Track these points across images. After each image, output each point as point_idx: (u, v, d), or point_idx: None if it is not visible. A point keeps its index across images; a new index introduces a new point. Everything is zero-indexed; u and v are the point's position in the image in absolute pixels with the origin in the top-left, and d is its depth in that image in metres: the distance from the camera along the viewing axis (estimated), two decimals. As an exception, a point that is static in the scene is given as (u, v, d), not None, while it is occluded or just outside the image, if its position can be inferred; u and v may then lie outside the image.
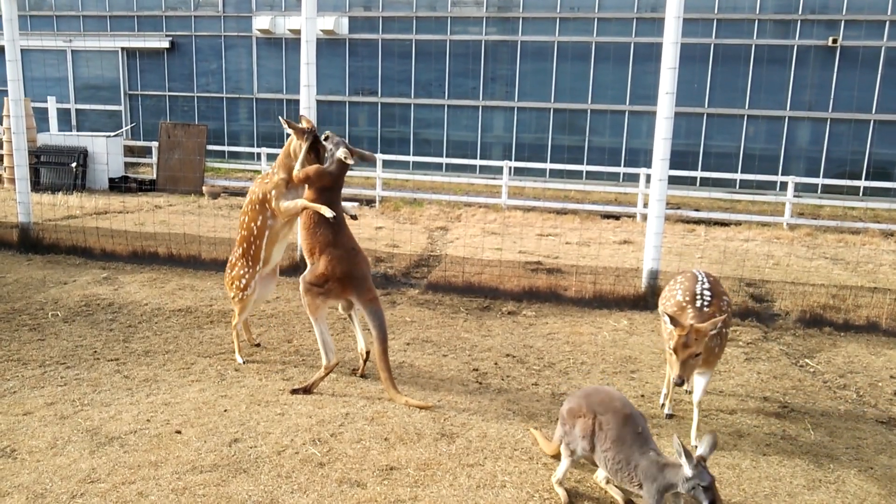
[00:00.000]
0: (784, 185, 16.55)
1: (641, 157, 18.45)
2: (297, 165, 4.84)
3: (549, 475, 3.72)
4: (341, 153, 4.67)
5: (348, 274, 4.67)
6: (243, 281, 5.15)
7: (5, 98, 15.82)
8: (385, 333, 4.69)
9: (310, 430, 4.15)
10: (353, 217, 5.08)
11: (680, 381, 3.78)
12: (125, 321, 6.10)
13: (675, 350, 3.81)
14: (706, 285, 4.28)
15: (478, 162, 17.57)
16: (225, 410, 4.38)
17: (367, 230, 10.83)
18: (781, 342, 6.24)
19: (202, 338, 5.74)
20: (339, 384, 4.87)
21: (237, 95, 21.38)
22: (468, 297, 7.13)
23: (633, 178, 17.25)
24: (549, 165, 17.34)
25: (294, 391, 4.66)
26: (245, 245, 5.12)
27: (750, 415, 4.67)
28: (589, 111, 18.63)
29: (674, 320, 3.86)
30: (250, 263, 5.13)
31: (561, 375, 5.20)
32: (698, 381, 4.25)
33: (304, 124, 4.97)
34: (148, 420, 4.20)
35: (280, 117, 5.26)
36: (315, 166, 4.79)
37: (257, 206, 5.04)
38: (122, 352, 5.34)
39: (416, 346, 5.69)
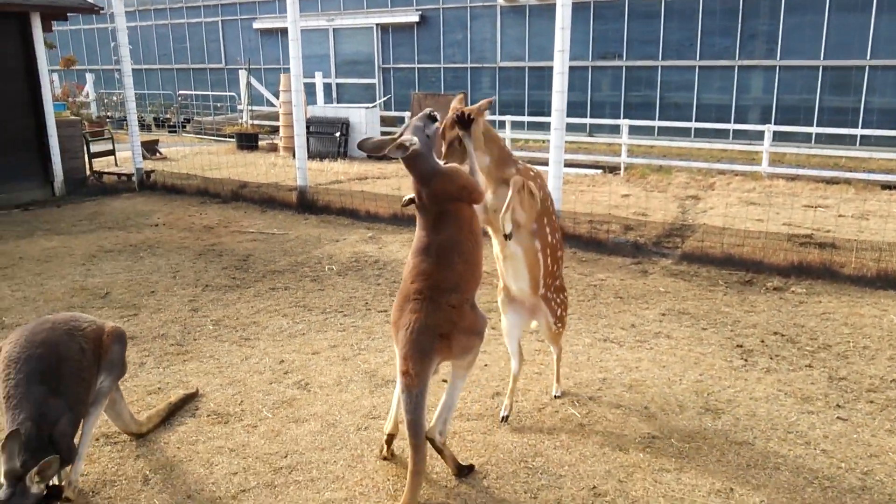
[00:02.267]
0: None
1: (931, 118, 15.98)
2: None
3: (831, 463, 3.42)
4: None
5: None
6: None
7: (282, 74, 17.77)
8: None
9: (568, 391, 4.20)
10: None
11: None
12: (390, 277, 6.58)
13: None
14: None
15: (731, 126, 16.38)
16: (485, 365, 4.58)
17: (613, 198, 10.61)
18: None
19: (459, 296, 6.01)
20: (594, 349, 4.85)
21: (481, 65, 21.91)
22: (727, 270, 6.71)
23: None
24: (815, 129, 15.65)
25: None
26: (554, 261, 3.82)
27: None
28: (867, 68, 16.45)
29: None
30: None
31: (839, 359, 4.72)
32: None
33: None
34: (417, 368, 4.51)
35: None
36: None
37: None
38: (389, 304, 5.77)
39: (672, 318, 5.49)
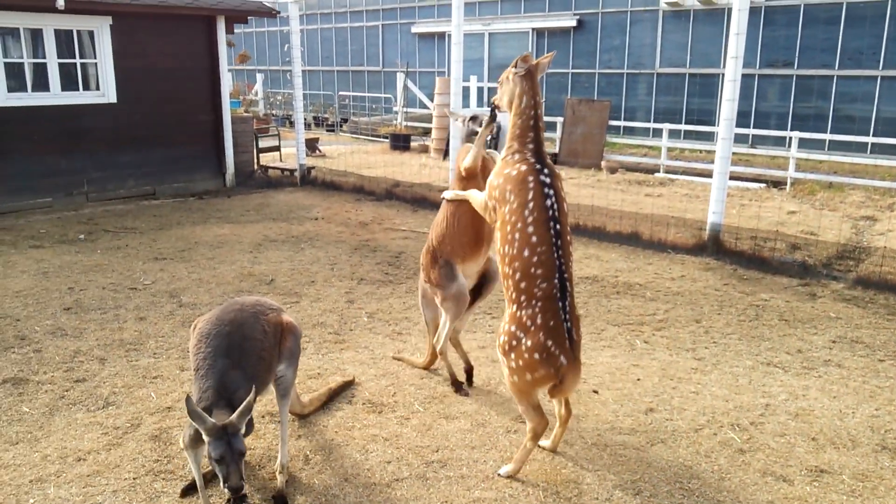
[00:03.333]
0: None
1: None
2: None
3: None
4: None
5: None
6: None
7: (437, 77, 18.16)
8: None
9: (727, 413, 3.99)
10: None
11: None
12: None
13: None
14: None
15: (916, 142, 14.91)
16: (638, 379, 4.45)
17: (779, 214, 9.99)
18: None
19: (610, 307, 5.89)
20: (756, 373, 4.59)
21: (638, 71, 21.33)
22: (909, 298, 6.13)
23: None
24: None
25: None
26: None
27: None
28: None
29: None
30: None
31: None
32: None
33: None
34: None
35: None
36: None
37: None
38: (539, 309, 5.75)
39: (844, 346, 5.08)
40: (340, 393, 4.15)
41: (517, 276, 3.18)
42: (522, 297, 3.16)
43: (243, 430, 2.71)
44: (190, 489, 3.13)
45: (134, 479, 3.27)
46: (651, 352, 4.92)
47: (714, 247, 7.43)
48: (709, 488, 3.24)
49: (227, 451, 2.60)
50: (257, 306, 3.23)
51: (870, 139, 16.08)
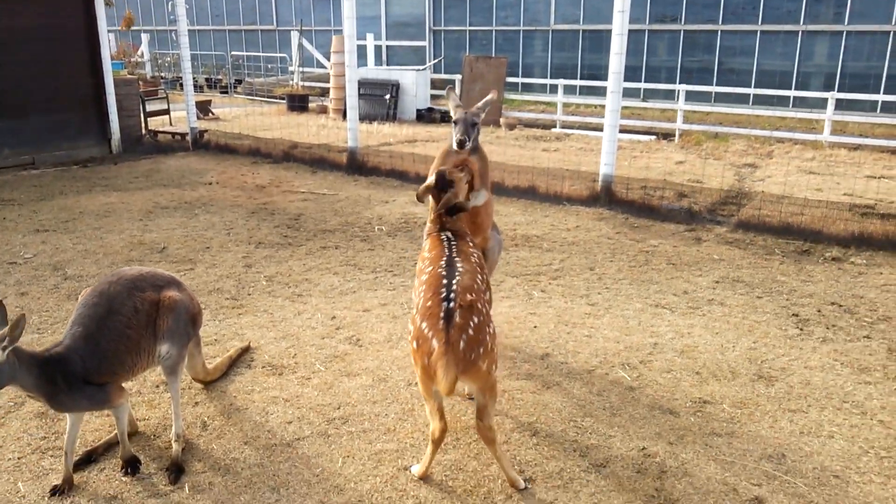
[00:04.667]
0: None
1: None
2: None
3: (888, 433, 3.34)
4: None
5: None
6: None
7: (334, 36, 17.74)
8: None
9: (618, 354, 4.18)
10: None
11: None
12: (440, 238, 6.59)
13: None
14: None
15: (792, 93, 15.76)
16: (535, 327, 4.58)
17: (668, 164, 10.40)
18: None
19: (509, 259, 6.01)
20: (645, 315, 4.81)
21: (533, 28, 21.51)
22: (784, 239, 6.55)
23: None
24: (882, 97, 14.99)
25: None
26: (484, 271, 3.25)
27: None
28: (941, 33, 15.61)
29: None
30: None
31: (900, 331, 4.59)
32: None
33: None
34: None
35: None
36: None
37: None
38: (440, 265, 5.80)
39: (726, 286, 5.39)
40: (238, 359, 4.07)
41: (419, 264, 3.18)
42: (417, 282, 3.12)
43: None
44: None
45: (19, 458, 3.12)
46: (547, 300, 5.07)
47: (606, 197, 7.68)
48: (601, 424, 3.40)
49: None
50: (137, 281, 3.09)
51: (751, 90, 16.91)
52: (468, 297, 2.80)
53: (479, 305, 2.83)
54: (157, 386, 3.76)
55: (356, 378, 3.86)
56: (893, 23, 16.04)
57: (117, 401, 2.96)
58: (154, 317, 3.08)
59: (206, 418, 3.45)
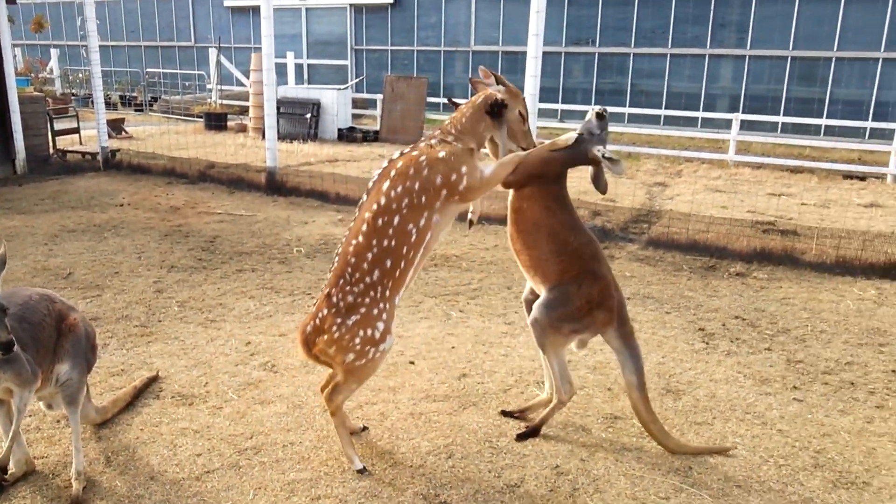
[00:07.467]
0: None
1: (892, 110, 16.31)
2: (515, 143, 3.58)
3: (786, 442, 3.51)
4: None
5: (620, 302, 3.48)
6: (380, 327, 3.05)
7: (253, 54, 17.51)
8: (644, 377, 3.50)
9: (533, 372, 4.25)
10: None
11: None
12: (359, 259, 6.56)
13: None
14: None
15: (700, 114, 16.56)
16: (453, 347, 4.61)
17: (582, 183, 10.67)
18: None
19: (427, 279, 6.04)
20: (560, 332, 4.90)
21: (454, 48, 21.82)
22: (691, 256, 6.82)
23: (882, 135, 15.32)
24: (782, 119, 15.90)
25: (521, 436, 3.50)
26: (380, 266, 3.08)
27: None
28: (833, 59, 16.69)
29: None
30: (387, 294, 3.11)
31: (797, 342, 4.84)
32: None
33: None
34: (384, 350, 4.53)
35: (490, 72, 3.45)
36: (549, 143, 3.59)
37: (423, 199, 3.12)
38: (359, 287, 5.78)
39: (637, 302, 5.57)
40: (145, 390, 3.93)
41: None
42: None
43: None
44: None
45: None
46: (466, 320, 5.12)
47: (525, 217, 7.81)
48: (515, 444, 3.44)
49: None
50: (47, 295, 3.07)
51: (662, 112, 17.60)
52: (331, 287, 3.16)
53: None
54: (58, 421, 3.58)
55: (270, 405, 3.79)
56: (790, 48, 17.06)
57: None
58: (58, 332, 3.00)
59: (109, 453, 3.31)
